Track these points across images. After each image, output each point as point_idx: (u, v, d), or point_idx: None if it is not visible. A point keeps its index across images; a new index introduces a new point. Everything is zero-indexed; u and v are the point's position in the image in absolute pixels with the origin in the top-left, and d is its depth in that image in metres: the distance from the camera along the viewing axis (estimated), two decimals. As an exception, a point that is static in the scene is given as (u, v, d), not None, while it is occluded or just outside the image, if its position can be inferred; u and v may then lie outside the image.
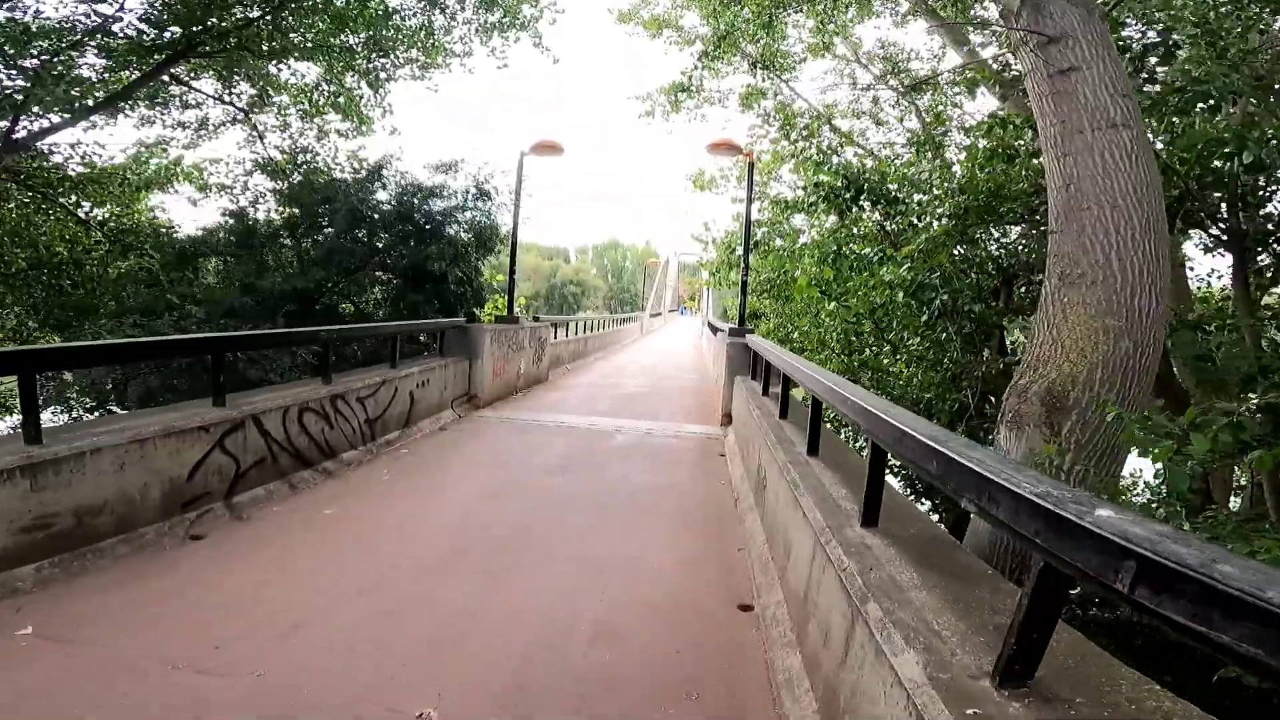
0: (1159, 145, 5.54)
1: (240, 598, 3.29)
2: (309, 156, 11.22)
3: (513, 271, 10.27)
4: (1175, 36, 5.75)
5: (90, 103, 8.96)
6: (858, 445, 7.44)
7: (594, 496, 5.23)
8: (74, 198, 10.15)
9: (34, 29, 8.26)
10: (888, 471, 4.71)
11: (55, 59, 8.35)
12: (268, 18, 10.41)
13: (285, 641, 2.89)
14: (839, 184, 8.31)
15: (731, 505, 5.28)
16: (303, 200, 9.04)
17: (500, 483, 5.48)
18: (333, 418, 5.50)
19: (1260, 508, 5.17)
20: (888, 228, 8.87)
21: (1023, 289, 7.97)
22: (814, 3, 11.04)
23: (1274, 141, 4.39)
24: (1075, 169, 4.14)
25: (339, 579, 3.57)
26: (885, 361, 7.24)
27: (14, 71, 8.16)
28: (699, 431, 7.80)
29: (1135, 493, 6.46)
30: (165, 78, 10.56)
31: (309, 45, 11.95)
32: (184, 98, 12.52)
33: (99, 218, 10.37)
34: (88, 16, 8.92)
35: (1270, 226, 6.10)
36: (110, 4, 8.76)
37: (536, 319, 12.22)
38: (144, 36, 8.86)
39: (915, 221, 7.23)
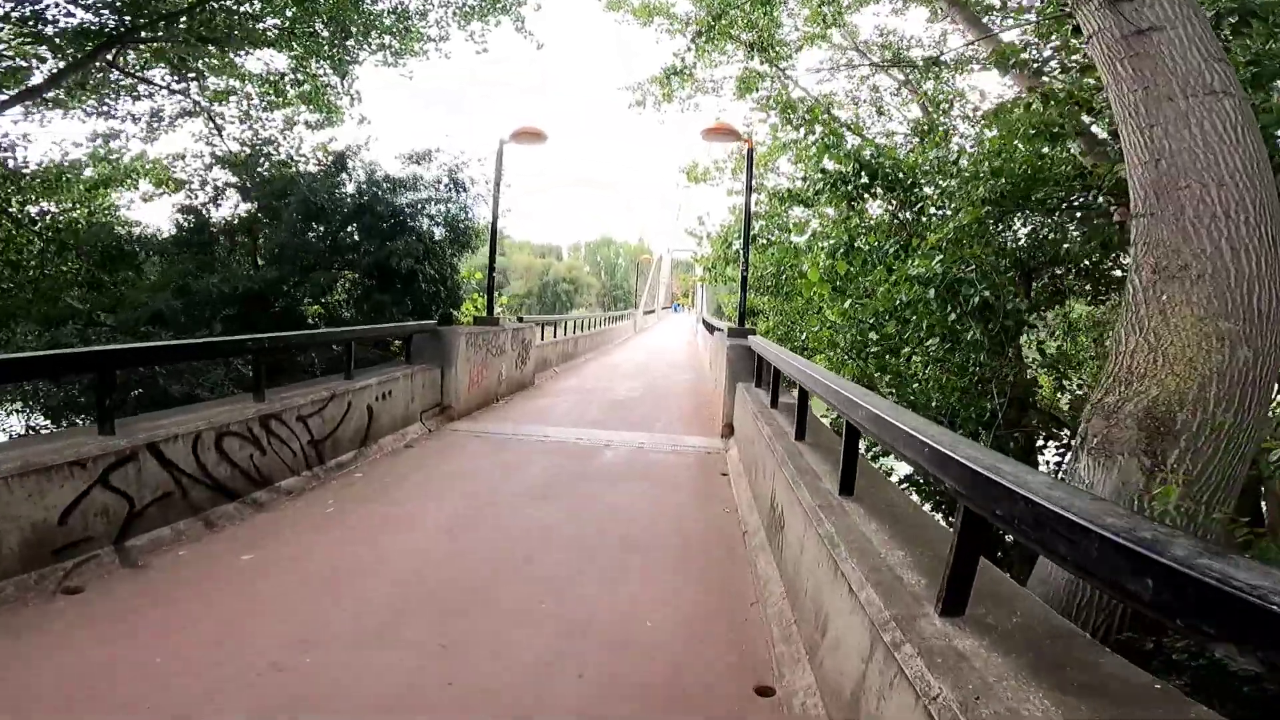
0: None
1: (105, 673, 2.48)
2: (272, 148, 10.32)
3: (492, 268, 9.42)
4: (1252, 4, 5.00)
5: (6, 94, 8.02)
6: (898, 479, 6.67)
7: (576, 532, 4.40)
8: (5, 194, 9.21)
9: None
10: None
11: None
12: (219, 3, 9.52)
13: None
14: (849, 170, 7.50)
15: (739, 538, 4.47)
16: (259, 195, 8.16)
17: (466, 514, 4.65)
18: (265, 441, 4.64)
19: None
20: (901, 218, 8.08)
21: (1043, 284, 7.21)
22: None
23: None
24: (1167, 141, 3.37)
25: (244, 648, 2.77)
26: (904, 366, 6.45)
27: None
28: (698, 445, 6.99)
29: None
30: (102, 65, 9.65)
31: (273, 32, 11.08)
32: (136, 88, 11.63)
33: (30, 215, 9.42)
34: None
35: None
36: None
37: (520, 319, 11.38)
38: (71, 20, 7.95)
39: (940, 209, 6.44)
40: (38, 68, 8.73)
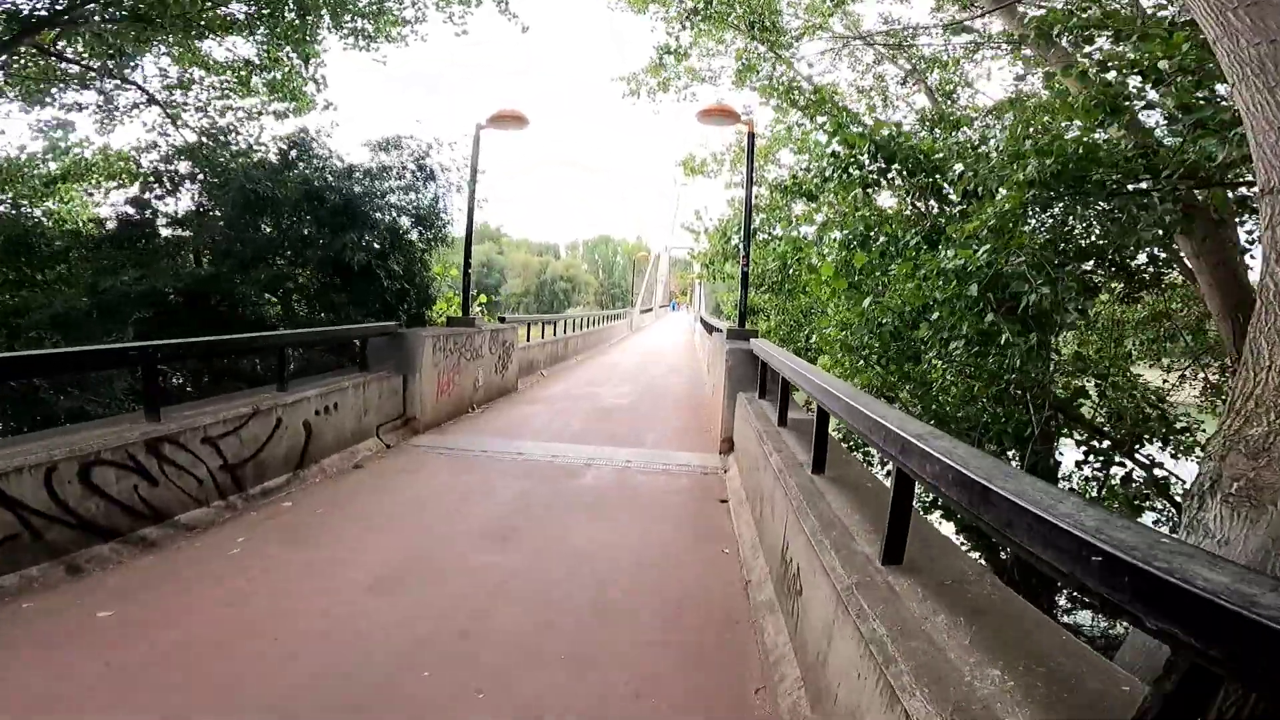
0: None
1: None
2: (230, 137, 9.42)
3: (467, 264, 8.54)
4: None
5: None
6: (954, 538, 5.79)
7: (538, 588, 3.53)
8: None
9: None
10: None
11: None
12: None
13: None
14: (865, 152, 6.63)
15: (740, 591, 3.62)
16: (204, 185, 7.27)
17: (403, 559, 3.78)
18: (156, 469, 3.77)
19: None
20: (920, 207, 7.21)
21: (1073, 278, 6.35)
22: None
23: None
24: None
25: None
26: (930, 372, 5.59)
27: None
28: (693, 463, 6.12)
29: None
30: (37, 51, 8.78)
31: (239, 16, 10.20)
32: (85, 76, 10.75)
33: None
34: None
35: None
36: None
37: (502, 319, 10.50)
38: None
39: (969, 196, 5.57)
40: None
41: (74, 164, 11.56)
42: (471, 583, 3.55)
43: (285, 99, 11.04)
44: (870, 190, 6.73)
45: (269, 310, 7.14)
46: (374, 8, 11.19)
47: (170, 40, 10.49)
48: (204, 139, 9.19)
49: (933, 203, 6.97)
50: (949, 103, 13.66)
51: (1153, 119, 5.79)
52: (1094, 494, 6.50)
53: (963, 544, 5.63)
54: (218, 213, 6.91)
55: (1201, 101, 4.30)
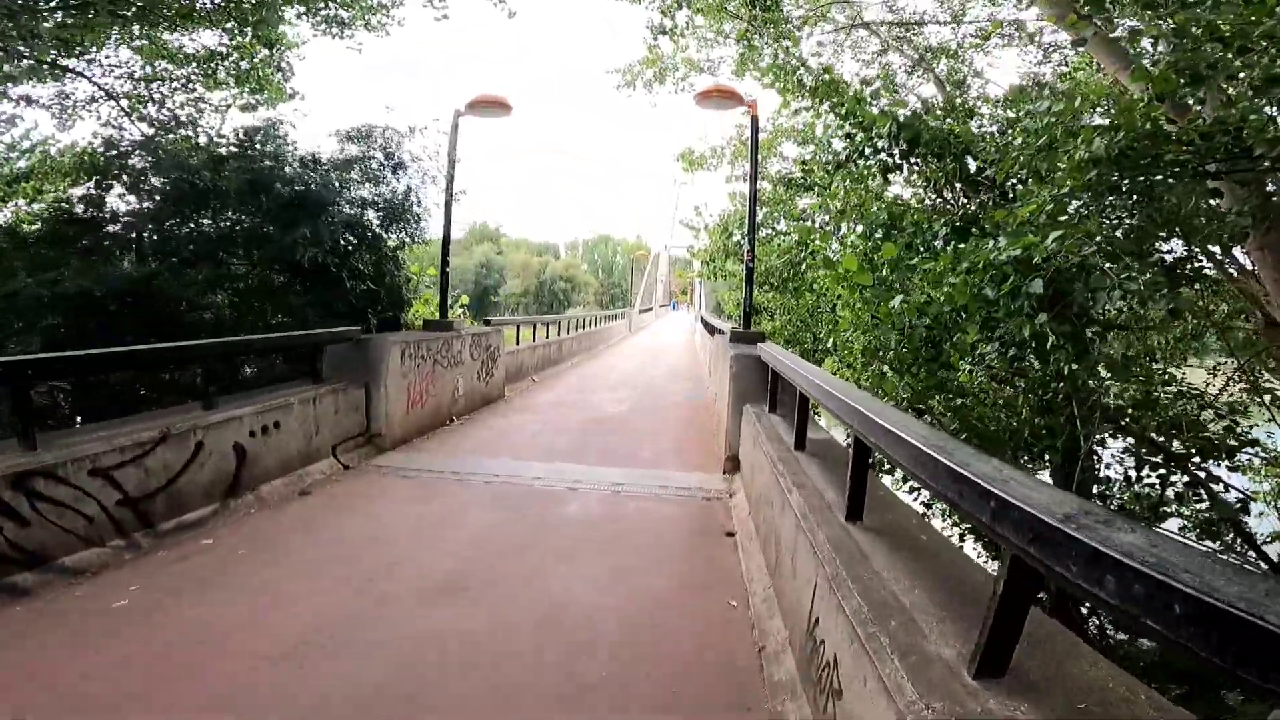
0: None
1: None
2: (191, 130, 8.66)
3: (445, 262, 7.79)
4: None
5: None
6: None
7: (501, 656, 2.80)
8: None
9: None
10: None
11: None
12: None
13: None
14: (886, 132, 5.88)
15: (753, 664, 2.88)
16: (145, 180, 6.51)
17: (335, 617, 3.04)
18: (27, 507, 3.04)
19: None
20: (946, 195, 6.46)
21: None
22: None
23: None
24: None
25: None
26: (965, 380, 4.84)
27: None
28: (693, 486, 5.36)
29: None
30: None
31: (206, 5, 9.47)
32: (40, 69, 10.02)
33: None
34: None
35: None
36: None
37: (487, 322, 9.75)
38: None
39: (1020, 177, 4.82)
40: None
41: (40, 161, 10.86)
42: (414, 650, 2.81)
43: (252, 89, 10.29)
44: (890, 176, 5.97)
45: (222, 315, 6.38)
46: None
47: (129, 31, 9.80)
48: (162, 132, 8.45)
49: (959, 190, 6.22)
50: (959, 92, 12.98)
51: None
52: (1148, 513, 5.74)
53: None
54: (151, 206, 6.13)
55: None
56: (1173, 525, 6.03)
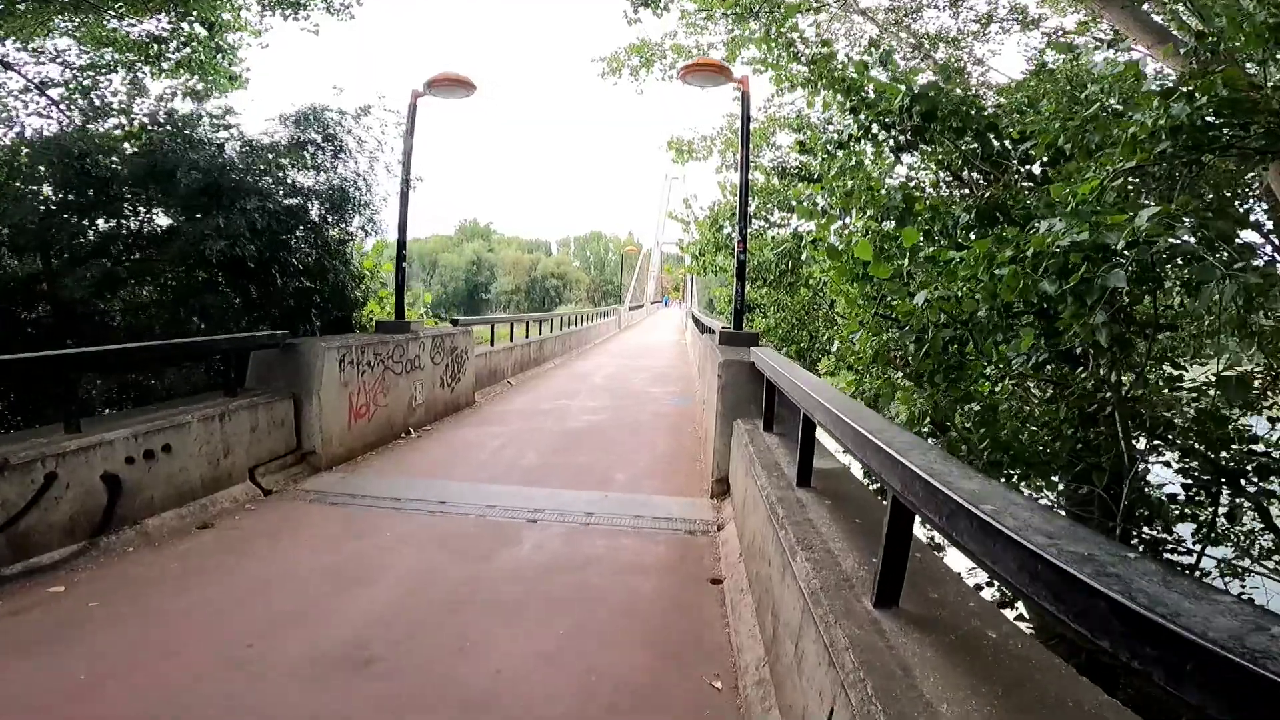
0: None
1: None
2: (123, 119, 7.76)
3: (401, 256, 6.95)
4: None
5: None
6: None
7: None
8: None
9: None
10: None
11: None
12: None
13: None
14: (898, 104, 5.11)
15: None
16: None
17: (188, 701, 2.26)
18: None
19: None
20: (965, 177, 5.70)
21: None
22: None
23: None
24: None
25: None
26: (991, 390, 4.09)
27: None
28: (675, 514, 4.57)
29: None
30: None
31: None
32: None
33: None
34: None
35: None
36: None
37: (454, 322, 8.92)
38: None
39: (1064, 152, 4.07)
40: None
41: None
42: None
43: (193, 73, 9.40)
44: (903, 155, 5.20)
45: (139, 319, 5.51)
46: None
47: (65, 18, 8.92)
48: (93, 120, 7.55)
49: (983, 173, 5.46)
50: (959, 81, 12.29)
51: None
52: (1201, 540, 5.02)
53: None
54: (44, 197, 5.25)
55: None
56: (1224, 551, 5.33)
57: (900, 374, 4.55)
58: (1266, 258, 5.04)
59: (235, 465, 4.46)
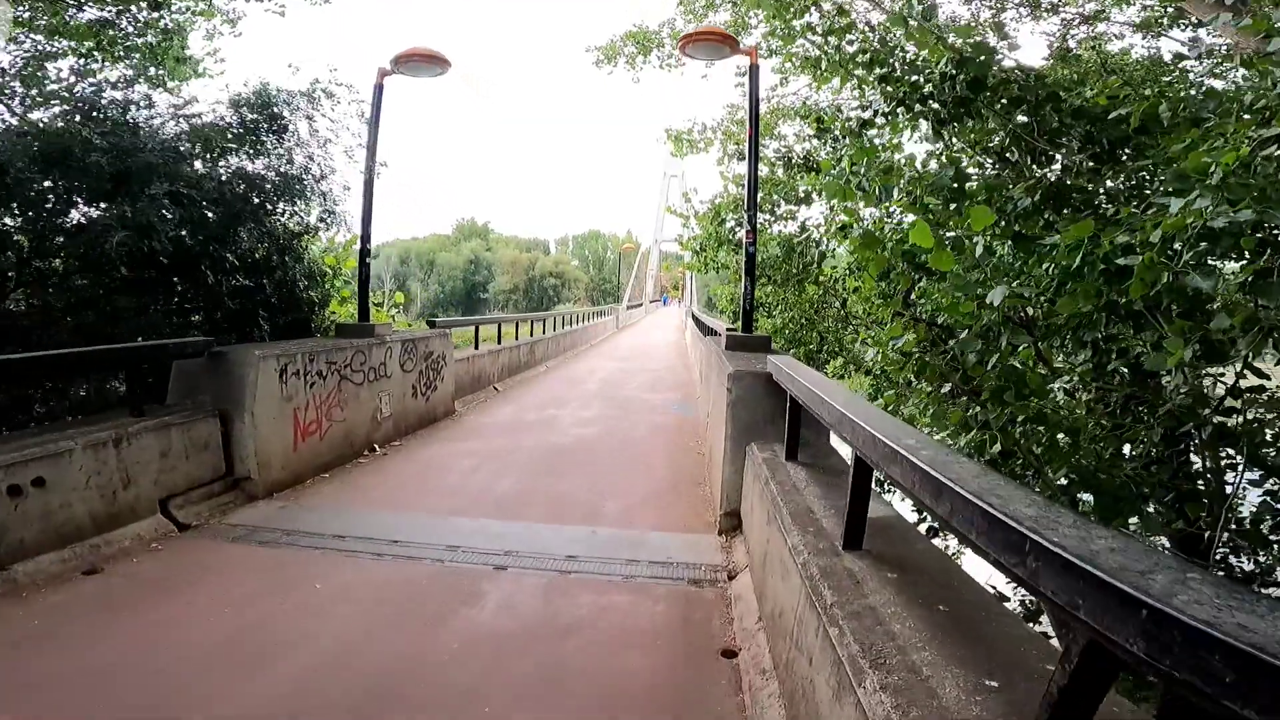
0: None
1: None
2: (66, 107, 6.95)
3: (365, 252, 6.15)
4: None
5: None
6: None
7: None
8: None
9: None
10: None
11: None
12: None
13: None
14: (941, 70, 4.33)
15: None
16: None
17: None
18: None
19: None
20: (1016, 156, 4.91)
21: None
22: None
23: None
24: None
25: None
26: (1063, 408, 3.31)
27: None
28: (675, 558, 3.77)
29: None
30: None
31: None
32: None
33: None
34: None
35: None
36: None
37: (431, 323, 8.11)
38: None
39: (1147, 131, 3.30)
40: None
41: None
42: None
43: (144, 58, 8.60)
44: (945, 128, 4.41)
45: (47, 325, 4.68)
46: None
47: None
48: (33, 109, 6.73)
49: (1036, 153, 4.66)
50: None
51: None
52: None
53: None
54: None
55: None
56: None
57: (944, 388, 3.76)
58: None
59: (140, 497, 3.66)
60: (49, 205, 4.35)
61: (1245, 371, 3.57)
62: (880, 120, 5.03)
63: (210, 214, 4.72)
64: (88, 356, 3.81)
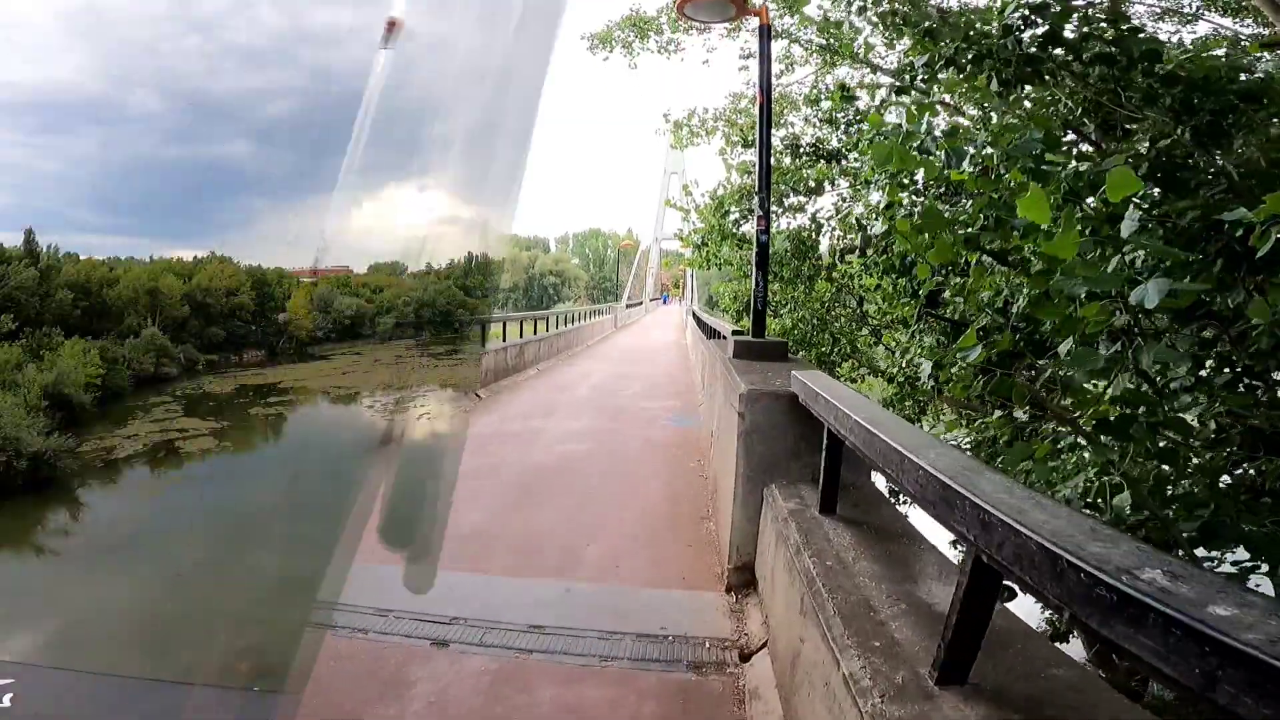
0: None
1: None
2: None
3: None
4: None
5: None
6: None
7: None
8: None
9: None
10: None
11: None
12: None
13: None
14: (1005, 26, 3.51)
15: None
16: None
17: None
18: None
19: None
20: (1090, 127, 4.06)
21: None
22: None
23: None
24: None
25: None
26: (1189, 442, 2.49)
27: None
28: (673, 631, 2.90)
29: None
30: None
31: None
32: None
33: None
34: None
35: None
36: None
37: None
38: None
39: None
40: None
41: None
42: None
43: None
44: (1010, 88, 3.57)
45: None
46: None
47: None
48: None
49: (1114, 121, 3.81)
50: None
51: None
52: None
53: None
54: None
55: None
56: None
57: (1017, 413, 2.93)
58: None
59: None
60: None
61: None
62: (921, 82, 4.19)
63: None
64: None
